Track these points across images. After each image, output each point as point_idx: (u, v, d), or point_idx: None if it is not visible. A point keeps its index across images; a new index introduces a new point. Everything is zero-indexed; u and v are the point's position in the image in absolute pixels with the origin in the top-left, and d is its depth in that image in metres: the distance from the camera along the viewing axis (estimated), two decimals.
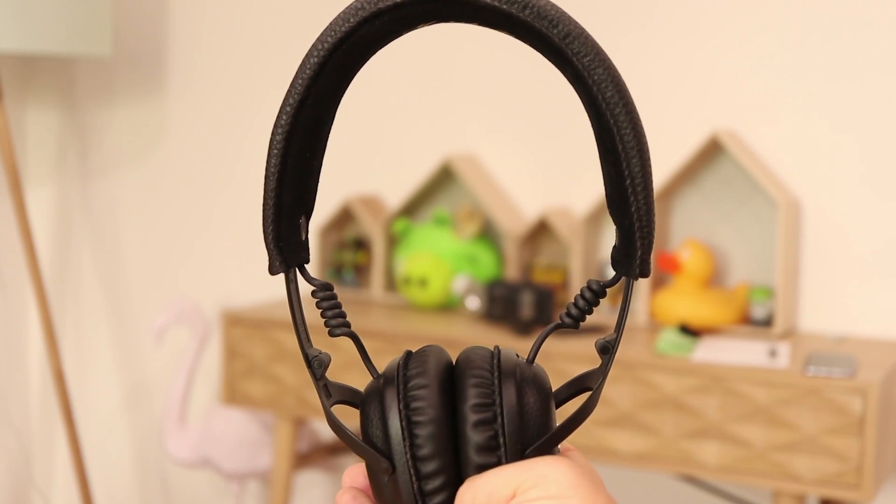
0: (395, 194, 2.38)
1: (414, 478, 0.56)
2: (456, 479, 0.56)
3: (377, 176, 2.40)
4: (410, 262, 2.17)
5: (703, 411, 1.76)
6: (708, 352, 1.82)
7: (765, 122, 2.07)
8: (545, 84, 2.25)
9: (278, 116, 0.59)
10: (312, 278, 0.63)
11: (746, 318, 2.04)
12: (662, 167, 2.16)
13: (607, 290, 0.60)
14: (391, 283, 2.30)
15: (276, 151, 0.59)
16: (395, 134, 2.40)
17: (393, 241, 2.30)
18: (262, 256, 2.73)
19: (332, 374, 2.21)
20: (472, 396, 0.56)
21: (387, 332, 1.99)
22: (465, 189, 2.28)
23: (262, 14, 2.53)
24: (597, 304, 0.60)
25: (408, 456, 0.56)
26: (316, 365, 0.62)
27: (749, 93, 2.09)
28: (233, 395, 2.14)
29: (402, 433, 0.56)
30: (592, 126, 0.59)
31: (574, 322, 0.59)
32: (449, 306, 2.20)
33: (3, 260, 2.71)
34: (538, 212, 2.24)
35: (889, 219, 2.00)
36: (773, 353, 1.79)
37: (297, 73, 0.60)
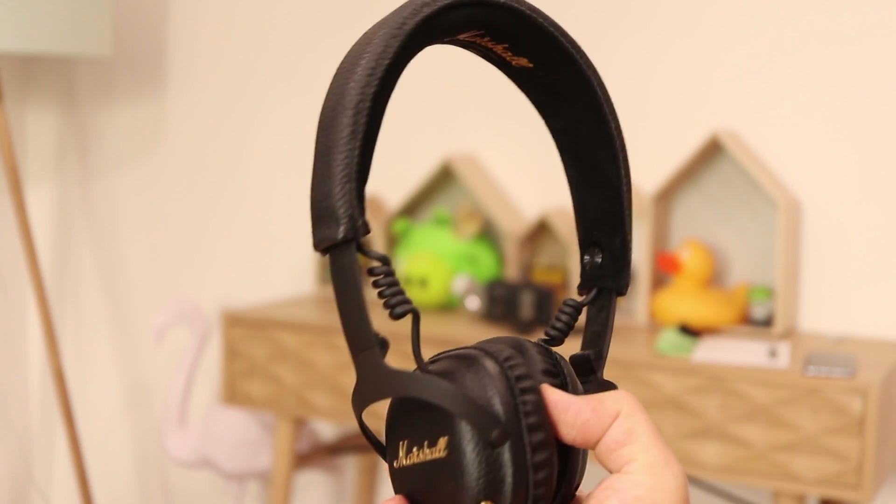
0: (395, 194, 2.38)
1: (529, 448, 0.52)
2: (554, 454, 0.53)
3: (377, 176, 2.40)
4: (410, 262, 2.17)
5: (703, 411, 1.76)
6: (708, 352, 1.82)
7: (765, 122, 2.08)
8: None
9: (367, 74, 0.53)
10: (370, 250, 0.55)
11: (746, 318, 2.04)
12: (662, 167, 2.16)
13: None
14: None
15: (363, 106, 0.52)
16: (395, 134, 2.40)
17: (393, 241, 2.30)
18: (262, 256, 2.74)
19: (332, 375, 2.20)
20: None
21: (387, 332, 1.98)
22: (465, 189, 2.28)
23: (262, 14, 2.53)
24: (576, 319, 0.60)
25: (523, 423, 0.52)
26: (380, 346, 0.53)
27: (749, 93, 2.09)
28: (233, 395, 2.14)
29: (514, 400, 0.52)
30: (580, 150, 0.59)
31: (559, 338, 0.60)
32: (449, 306, 2.20)
33: (3, 260, 2.71)
34: (538, 212, 2.24)
35: (889, 219, 2.00)
36: (773, 353, 1.79)
37: (383, 35, 0.54)
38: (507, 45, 0.58)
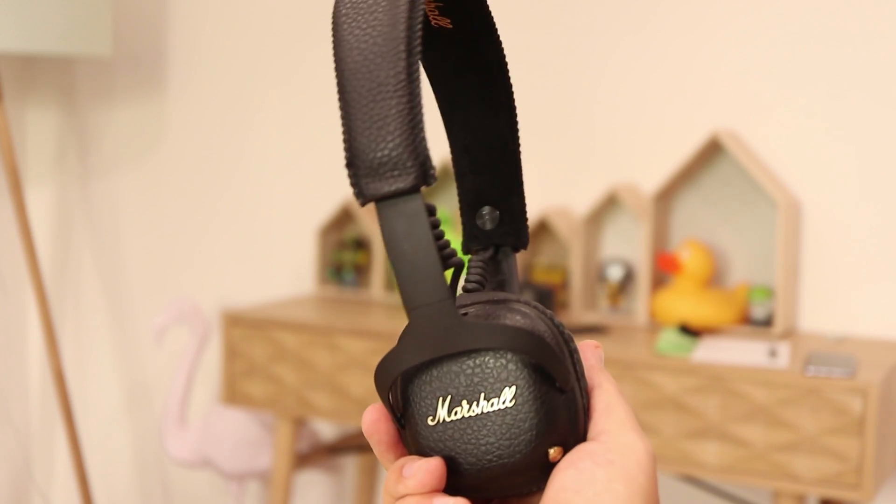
0: None
1: (581, 393, 0.53)
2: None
3: None
4: None
5: (703, 411, 1.76)
6: (708, 352, 1.82)
7: (765, 122, 2.08)
8: (545, 85, 2.25)
9: (412, 18, 0.50)
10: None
11: (746, 318, 2.04)
12: (662, 167, 2.16)
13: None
14: (391, 283, 2.30)
15: (415, 51, 0.49)
16: None
17: None
18: (262, 256, 2.74)
19: (332, 375, 2.19)
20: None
21: (387, 333, 1.99)
22: None
23: (262, 14, 2.53)
24: (488, 272, 0.61)
25: (577, 369, 0.53)
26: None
27: (749, 93, 2.09)
28: (233, 395, 2.14)
29: (568, 347, 0.53)
30: (478, 114, 0.60)
31: (478, 290, 0.60)
32: None
33: (3, 260, 2.71)
34: (538, 212, 2.24)
35: (889, 219, 2.00)
36: (773, 353, 1.79)
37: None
38: (438, 3, 0.57)
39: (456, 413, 0.51)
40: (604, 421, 0.54)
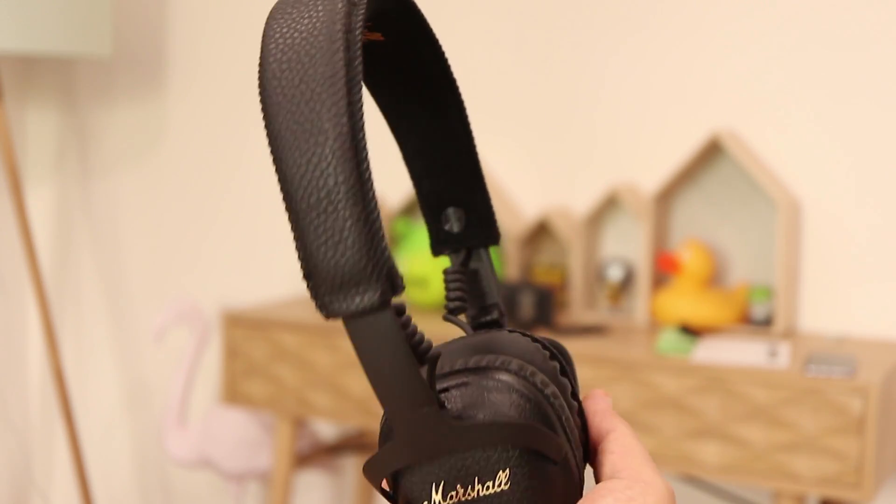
0: (396, 194, 2.38)
1: (574, 453, 0.52)
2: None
3: (377, 176, 2.40)
4: (410, 262, 2.17)
5: (703, 411, 1.76)
6: (708, 352, 1.82)
7: (765, 122, 2.08)
8: (545, 85, 2.25)
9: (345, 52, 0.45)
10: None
11: (746, 318, 2.04)
12: (663, 167, 2.16)
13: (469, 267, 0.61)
14: None
15: (362, 145, 0.45)
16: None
17: (393, 241, 2.30)
18: (262, 256, 2.74)
19: (332, 375, 2.19)
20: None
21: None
22: None
23: (262, 14, 2.53)
24: (466, 282, 0.60)
25: (569, 433, 0.52)
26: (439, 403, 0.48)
27: (749, 94, 2.09)
28: (233, 395, 2.14)
29: (557, 413, 0.51)
30: (428, 118, 0.58)
31: (462, 306, 0.60)
32: None
33: (3, 260, 2.71)
34: (538, 212, 2.24)
35: (888, 219, 2.00)
36: (773, 353, 1.79)
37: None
38: (367, 23, 0.55)
39: (451, 497, 0.50)
40: (623, 460, 0.54)
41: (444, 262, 2.17)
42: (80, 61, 2.73)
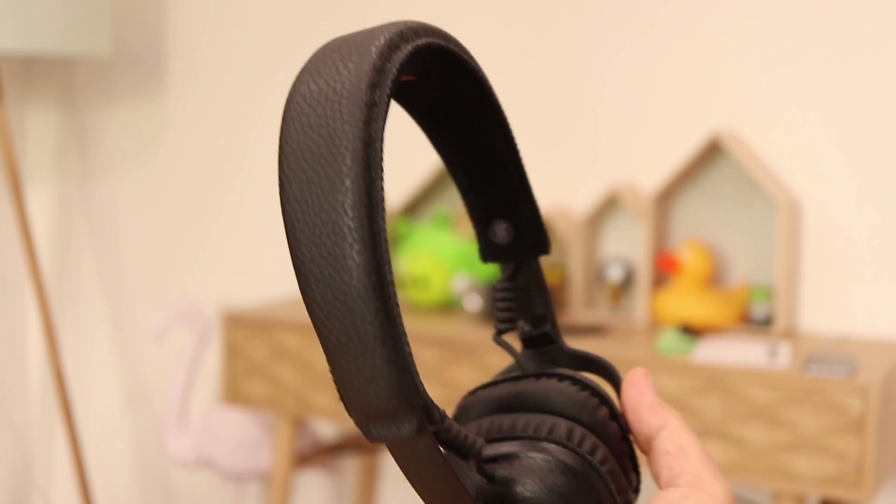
0: (396, 194, 2.38)
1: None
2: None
3: None
4: (410, 262, 2.17)
5: (703, 411, 1.76)
6: (708, 352, 1.82)
7: (765, 122, 2.08)
8: (545, 86, 2.25)
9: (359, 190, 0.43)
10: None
11: (746, 318, 2.04)
12: (663, 167, 2.16)
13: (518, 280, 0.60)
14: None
15: (388, 281, 0.44)
16: (394, 135, 2.40)
17: (393, 241, 2.30)
18: (262, 256, 2.74)
19: (330, 377, 2.21)
20: None
21: None
22: None
23: (262, 14, 2.53)
24: (517, 295, 0.60)
25: (609, 488, 0.53)
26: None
27: (749, 93, 2.09)
28: (233, 395, 2.14)
29: (607, 486, 0.52)
30: (466, 140, 0.57)
31: (513, 319, 0.59)
32: (449, 306, 2.20)
33: (3, 260, 2.71)
34: None
35: (889, 219, 2.00)
36: (773, 353, 1.79)
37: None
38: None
39: None
40: (680, 463, 0.53)
41: (445, 261, 2.17)
42: (80, 61, 2.73)
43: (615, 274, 2.13)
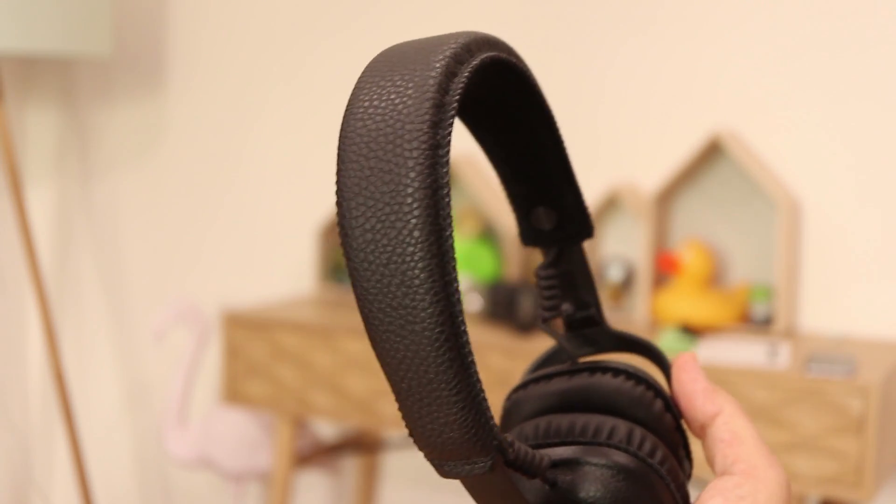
0: None
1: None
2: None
3: None
4: None
5: None
6: (708, 352, 1.82)
7: (765, 122, 2.08)
8: (545, 85, 2.25)
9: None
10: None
11: (746, 317, 2.04)
12: (663, 167, 2.16)
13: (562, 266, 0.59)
14: None
15: (462, 330, 0.42)
16: None
17: None
18: (262, 256, 2.74)
19: (332, 375, 2.19)
20: None
21: None
22: (465, 189, 2.28)
23: (262, 14, 2.53)
24: (559, 281, 0.59)
25: (679, 497, 0.53)
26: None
27: (749, 94, 2.09)
28: (233, 395, 2.14)
29: (668, 485, 0.52)
30: (526, 134, 0.55)
31: (556, 307, 0.59)
32: None
33: (3, 260, 2.71)
34: None
35: (889, 219, 2.00)
36: (773, 353, 1.79)
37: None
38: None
39: None
40: (733, 451, 0.52)
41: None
42: (80, 61, 2.73)
43: (615, 274, 2.13)
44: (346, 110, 0.43)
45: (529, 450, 0.46)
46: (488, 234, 2.27)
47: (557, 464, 0.51)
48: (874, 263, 2.01)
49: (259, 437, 2.28)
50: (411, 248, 0.40)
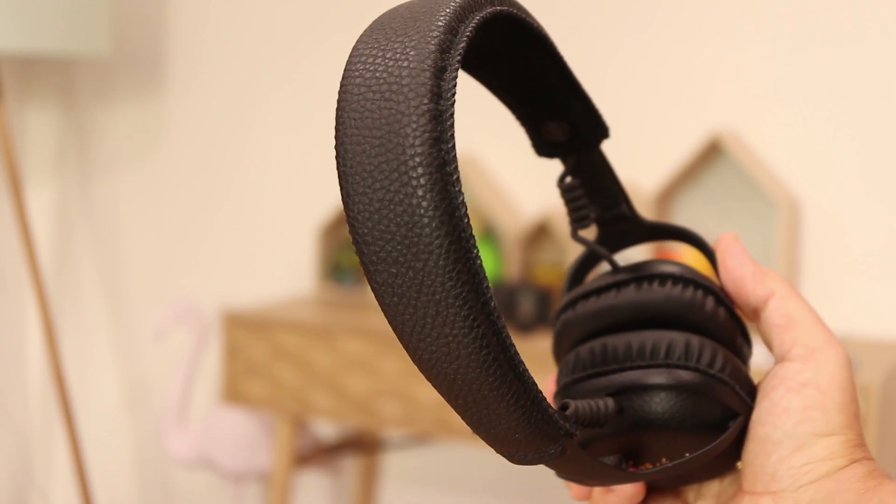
0: None
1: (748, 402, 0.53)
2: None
3: None
4: None
5: None
6: None
7: (765, 122, 2.08)
8: None
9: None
10: None
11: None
12: (663, 167, 2.16)
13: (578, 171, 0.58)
14: None
15: (505, 333, 0.42)
16: None
17: None
18: (262, 256, 2.74)
19: (332, 375, 2.19)
20: None
21: (387, 333, 1.99)
22: (465, 189, 2.28)
23: (262, 14, 2.53)
24: (584, 187, 0.59)
25: (743, 394, 0.52)
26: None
27: (749, 93, 2.09)
28: (233, 395, 2.14)
29: (733, 388, 0.52)
30: (514, 67, 0.54)
31: (587, 216, 0.58)
32: None
33: (3, 260, 2.71)
34: (538, 212, 2.24)
35: (889, 219, 2.00)
36: None
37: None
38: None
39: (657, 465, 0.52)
40: (790, 336, 0.51)
41: None
42: (80, 61, 2.73)
43: None
44: (348, 60, 0.43)
45: (592, 405, 0.47)
46: (488, 235, 2.27)
47: (621, 391, 0.50)
48: (874, 263, 2.01)
49: (259, 437, 2.28)
50: (442, 271, 0.39)
